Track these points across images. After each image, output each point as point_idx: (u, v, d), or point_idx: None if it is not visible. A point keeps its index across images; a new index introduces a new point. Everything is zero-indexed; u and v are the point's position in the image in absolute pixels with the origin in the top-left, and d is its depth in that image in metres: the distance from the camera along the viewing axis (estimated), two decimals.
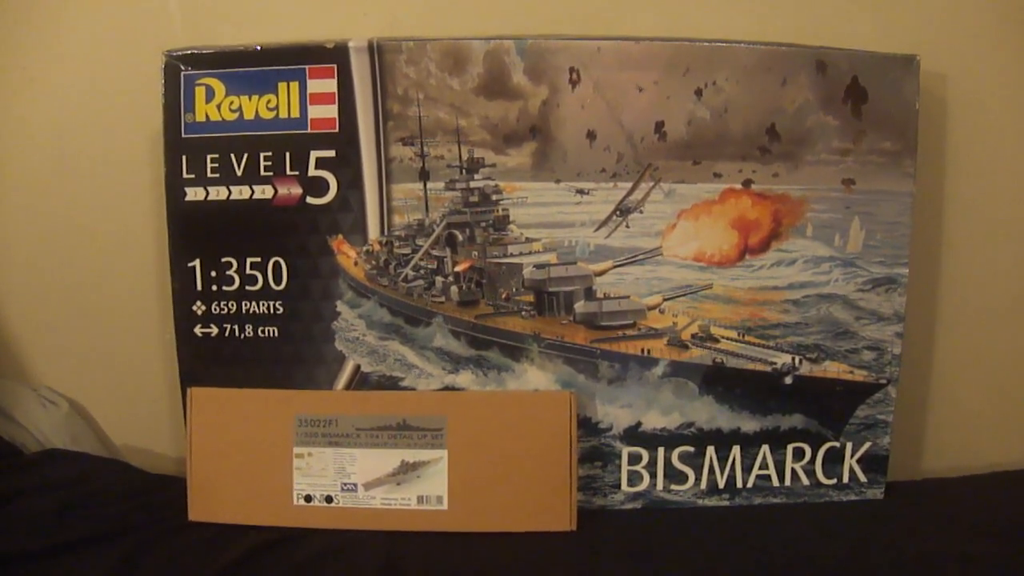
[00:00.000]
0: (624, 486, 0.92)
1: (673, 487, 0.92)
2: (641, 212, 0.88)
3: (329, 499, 0.88)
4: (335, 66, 0.87)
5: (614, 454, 0.91)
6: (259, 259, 0.90)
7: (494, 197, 0.89)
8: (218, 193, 0.90)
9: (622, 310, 0.89)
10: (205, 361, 0.92)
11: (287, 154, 0.89)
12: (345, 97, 0.88)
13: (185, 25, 0.97)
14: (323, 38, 0.88)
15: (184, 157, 0.89)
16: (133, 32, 0.97)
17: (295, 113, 0.88)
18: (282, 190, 0.89)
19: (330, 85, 0.88)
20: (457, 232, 0.91)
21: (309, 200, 0.89)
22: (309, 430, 0.88)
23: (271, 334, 0.91)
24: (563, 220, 0.89)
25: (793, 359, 0.90)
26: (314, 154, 0.89)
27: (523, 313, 0.91)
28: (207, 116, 0.89)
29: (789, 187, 0.88)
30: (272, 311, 0.91)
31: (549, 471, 0.86)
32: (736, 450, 0.91)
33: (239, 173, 0.89)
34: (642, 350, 0.90)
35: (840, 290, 0.90)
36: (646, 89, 0.87)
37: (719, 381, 0.90)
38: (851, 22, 0.94)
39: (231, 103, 0.89)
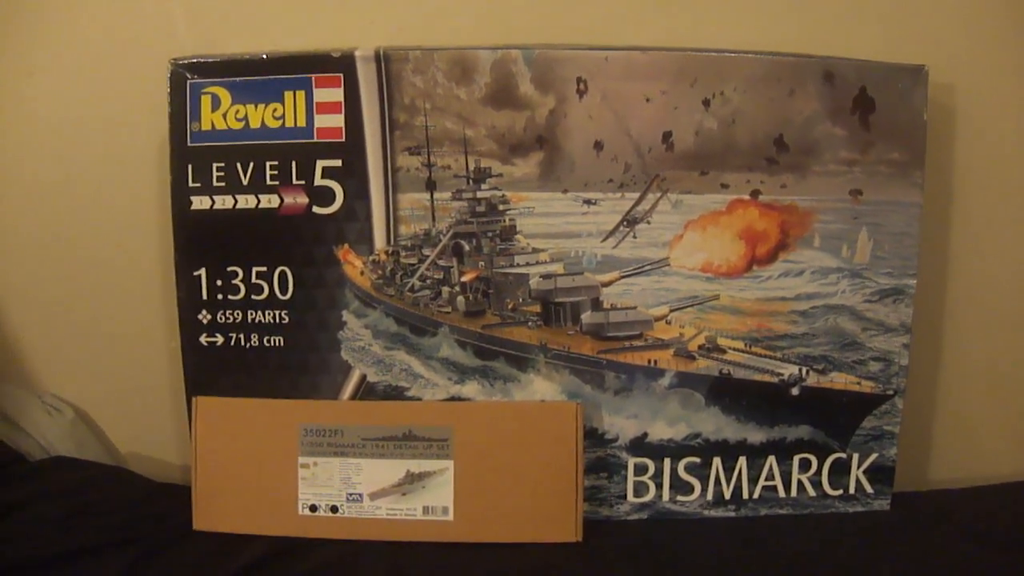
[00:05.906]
0: (630, 497, 0.92)
1: (679, 498, 0.92)
2: (648, 223, 0.88)
3: (334, 509, 0.87)
4: (341, 75, 0.87)
5: (620, 465, 0.91)
6: (265, 268, 0.90)
7: (501, 207, 0.89)
8: (224, 202, 0.89)
9: (629, 321, 0.89)
10: (210, 370, 0.91)
11: (293, 163, 0.89)
12: (352, 106, 0.87)
13: (191, 33, 0.96)
14: (329, 47, 0.88)
15: (190, 166, 0.89)
16: (139, 40, 0.96)
17: (301, 122, 0.88)
18: (288, 199, 0.89)
19: (336, 94, 0.87)
20: (464, 242, 0.90)
21: (315, 209, 0.89)
22: (314, 440, 0.87)
23: (277, 343, 0.91)
24: (570, 230, 0.89)
25: (800, 370, 0.89)
26: (320, 163, 0.88)
27: (530, 323, 0.90)
28: (213, 124, 0.89)
29: (797, 198, 0.88)
30: (278, 320, 0.91)
31: (555, 482, 0.86)
32: (742, 461, 0.91)
33: (245, 182, 0.89)
34: (649, 361, 0.89)
35: (847, 301, 0.90)
36: (654, 99, 0.87)
37: (726, 392, 0.89)
38: (859, 32, 0.93)
39: (237, 112, 0.88)
